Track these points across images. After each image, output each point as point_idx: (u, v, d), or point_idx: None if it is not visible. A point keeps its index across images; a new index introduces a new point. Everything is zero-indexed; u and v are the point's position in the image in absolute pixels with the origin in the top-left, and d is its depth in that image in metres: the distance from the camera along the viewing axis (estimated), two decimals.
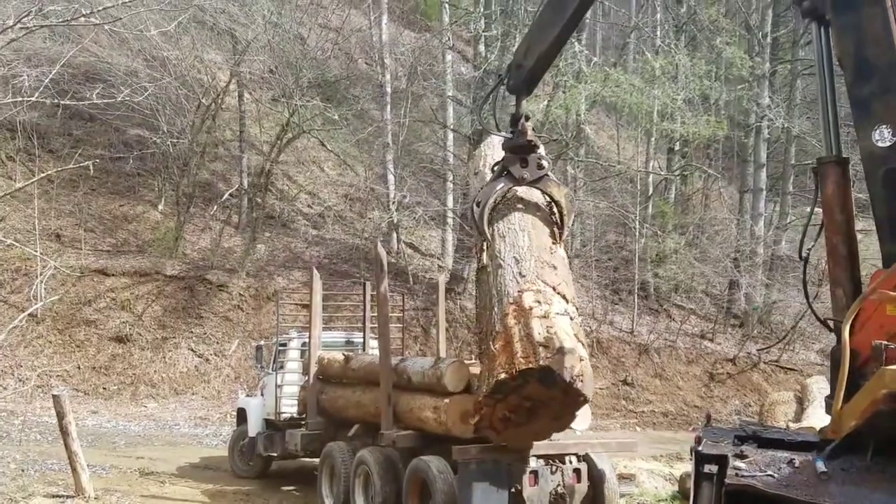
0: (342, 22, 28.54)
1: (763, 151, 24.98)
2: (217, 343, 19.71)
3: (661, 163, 27.21)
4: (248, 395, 13.76)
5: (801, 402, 9.20)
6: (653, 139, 25.18)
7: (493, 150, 8.52)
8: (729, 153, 30.63)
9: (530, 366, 6.46)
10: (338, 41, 27.76)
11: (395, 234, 22.84)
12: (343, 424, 10.17)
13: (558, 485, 7.56)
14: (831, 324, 5.76)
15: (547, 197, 7.81)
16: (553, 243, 7.60)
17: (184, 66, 21.61)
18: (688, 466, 15.26)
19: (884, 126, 5.26)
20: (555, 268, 7.36)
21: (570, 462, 7.70)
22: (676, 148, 26.23)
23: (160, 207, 22.89)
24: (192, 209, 22.49)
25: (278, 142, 20.75)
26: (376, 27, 24.35)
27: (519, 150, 7.54)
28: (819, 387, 8.93)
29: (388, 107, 23.24)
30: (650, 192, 25.77)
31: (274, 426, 12.13)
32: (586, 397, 6.69)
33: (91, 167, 11.52)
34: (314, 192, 25.57)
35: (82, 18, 9.36)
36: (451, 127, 21.65)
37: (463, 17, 22.89)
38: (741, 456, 5.29)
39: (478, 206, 7.36)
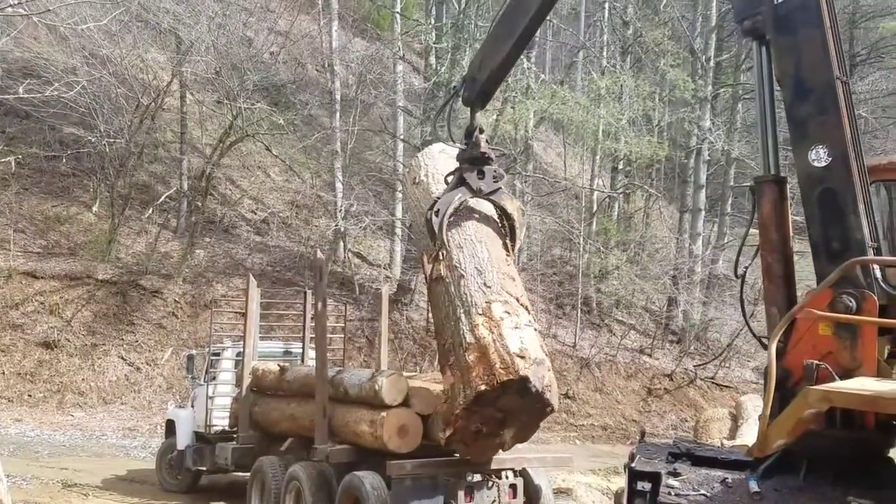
0: (290, 26, 28.15)
1: (703, 173, 25.57)
2: (149, 351, 19.03)
3: (606, 181, 27.61)
4: (178, 407, 13.29)
5: (736, 420, 9.32)
6: (597, 157, 25.54)
7: (433, 160, 8.45)
8: (670, 174, 31.31)
9: (511, 377, 6.42)
10: (286, 45, 27.39)
11: (341, 243, 22.53)
12: (276, 438, 9.88)
13: (494, 500, 7.44)
14: (766, 342, 5.78)
15: (498, 210, 7.77)
16: (507, 255, 7.59)
17: (124, 65, 20.97)
18: (623, 481, 15.42)
19: (820, 146, 5.31)
20: (514, 279, 7.38)
21: (507, 477, 7.59)
22: (620, 167, 26.65)
23: (95, 209, 22.05)
24: (129, 212, 21.73)
25: (220, 144, 20.24)
26: (326, 33, 24.09)
27: (476, 161, 7.52)
28: (754, 405, 9.06)
29: (338, 114, 22.96)
30: (594, 209, 26.11)
31: (204, 439, 11.76)
32: (553, 407, 6.73)
33: (13, 163, 10.90)
34: (259, 197, 25.04)
35: (9, 9, 8.89)
36: (402, 137, 21.51)
37: (414, 29, 22.85)
38: (674, 474, 5.26)
39: (436, 214, 7.26)
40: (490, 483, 7.41)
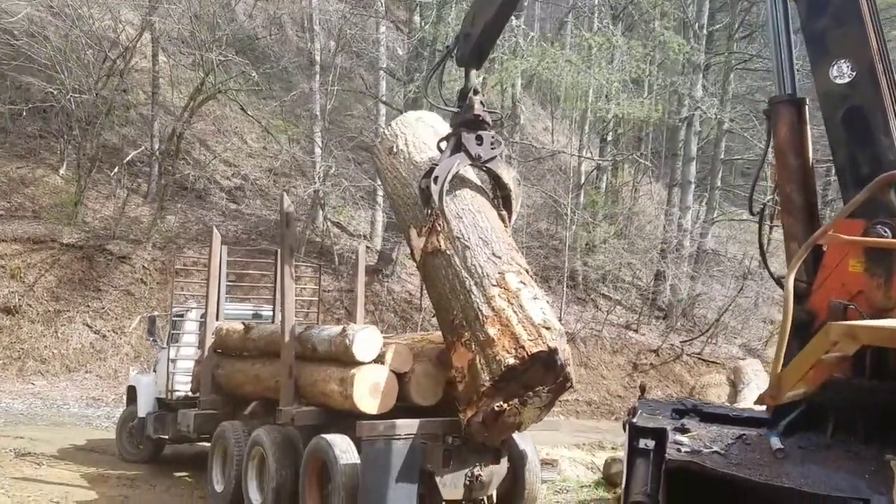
0: None
1: (694, 144, 24.92)
2: (116, 319, 18.15)
3: (594, 152, 26.93)
4: (140, 372, 12.49)
5: (735, 385, 8.72)
6: (586, 127, 24.81)
7: (410, 127, 7.86)
8: (658, 151, 30.65)
9: (541, 349, 6.05)
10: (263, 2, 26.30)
11: (320, 212, 21.69)
12: (241, 402, 9.12)
13: (475, 466, 6.74)
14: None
15: (493, 180, 7.29)
16: (504, 227, 7.16)
17: (92, 19, 19.93)
18: (610, 454, 14.92)
19: (842, 61, 4.73)
20: (517, 251, 7.02)
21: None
22: (609, 138, 25.93)
23: (62, 172, 21.02)
24: (98, 175, 20.75)
25: (192, 102, 19.24)
26: None
27: (472, 125, 7.00)
28: (754, 369, 8.45)
29: (318, 76, 22.06)
30: (582, 180, 25.42)
31: (166, 406, 10.99)
32: (573, 383, 6.42)
33: None
34: (235, 163, 24.10)
35: None
36: (383, 99, 20.63)
37: None
38: (683, 430, 4.58)
39: (434, 182, 6.71)
40: (470, 446, 6.71)
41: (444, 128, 7.61)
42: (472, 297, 6.40)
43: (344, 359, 7.09)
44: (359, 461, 6.55)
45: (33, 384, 16.50)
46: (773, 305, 28.17)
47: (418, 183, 7.03)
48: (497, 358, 6.05)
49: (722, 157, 26.40)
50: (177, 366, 10.72)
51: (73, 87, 18.82)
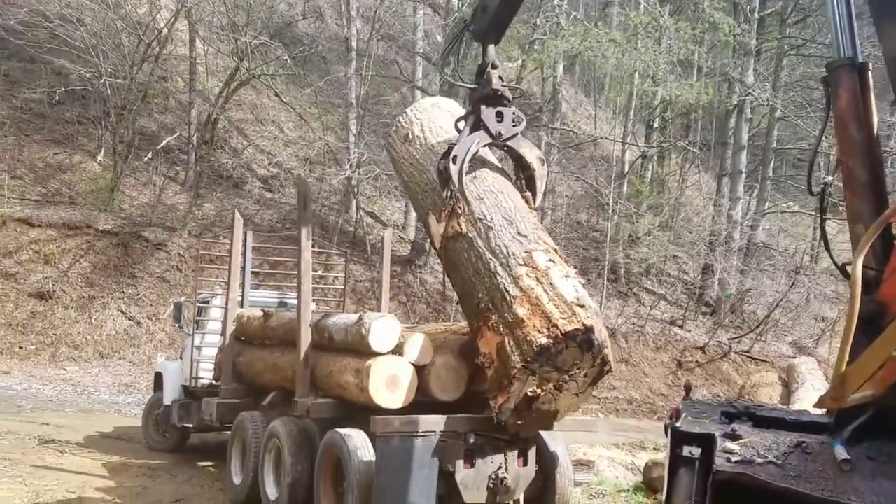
0: None
1: (744, 132, 23.86)
2: (151, 305, 18.06)
3: (640, 140, 26.02)
4: (167, 359, 12.26)
5: (788, 385, 8.02)
6: (631, 113, 23.93)
7: (426, 113, 7.49)
8: (707, 139, 29.52)
9: (575, 326, 5.57)
10: None
11: (353, 201, 21.34)
12: (261, 392, 8.77)
13: (500, 467, 6.19)
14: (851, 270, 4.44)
15: (515, 159, 6.90)
16: (530, 209, 6.74)
17: (130, 5, 19.90)
18: (652, 455, 14.22)
19: None
20: (544, 231, 6.60)
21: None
22: (655, 125, 24.99)
23: (99, 158, 21.07)
24: (135, 162, 20.74)
25: (227, 88, 19.03)
26: None
27: (491, 100, 6.60)
28: (808, 368, 7.72)
29: (353, 62, 21.70)
30: (626, 169, 24.57)
31: (191, 394, 10.70)
32: (611, 366, 5.92)
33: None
34: (271, 151, 23.93)
35: None
36: (419, 85, 20.15)
37: None
38: (733, 436, 3.96)
39: (454, 161, 6.31)
40: (495, 447, 6.17)
41: (462, 112, 7.23)
42: (498, 278, 5.98)
43: (360, 349, 6.62)
44: (374, 458, 6.07)
45: (65, 370, 16.49)
46: (825, 302, 26.95)
47: (436, 165, 6.64)
48: (528, 338, 5.59)
49: (774, 146, 25.21)
50: (201, 353, 10.44)
51: (108, 71, 18.75)
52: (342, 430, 6.51)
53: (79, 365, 16.72)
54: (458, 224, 6.36)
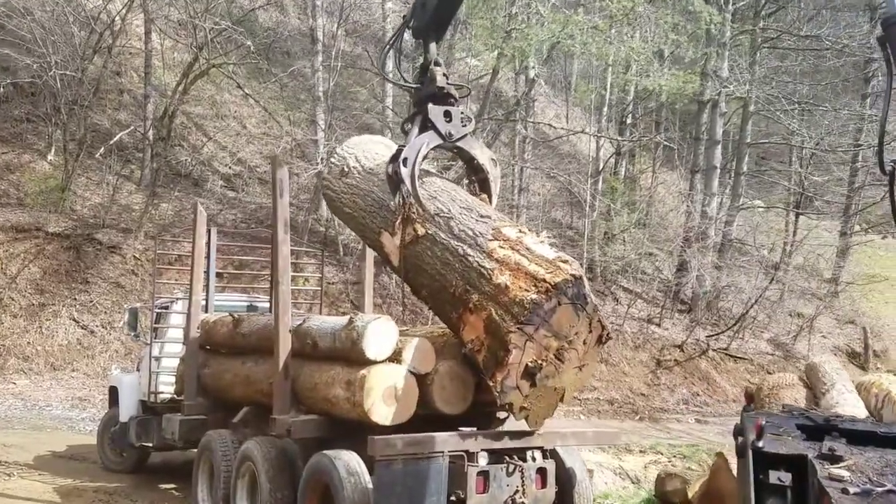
0: None
1: (719, 127, 23.51)
2: (105, 313, 16.86)
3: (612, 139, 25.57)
4: (123, 371, 11.21)
5: (813, 387, 7.40)
6: (604, 109, 23.42)
7: (358, 146, 7.21)
8: (674, 136, 29.22)
9: (563, 276, 5.31)
10: None
11: (324, 200, 20.38)
12: (231, 407, 7.83)
13: (516, 491, 5.40)
14: None
15: (466, 161, 6.67)
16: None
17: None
18: (639, 458, 13.59)
19: None
20: (507, 216, 6.54)
21: (534, 459, 5.57)
22: (629, 121, 24.52)
23: (50, 157, 19.75)
24: (88, 161, 19.46)
25: (185, 79, 17.93)
26: None
27: (437, 99, 6.32)
28: (833, 367, 7.07)
29: (320, 56, 20.75)
30: (601, 166, 24.04)
31: (151, 409, 9.72)
32: (610, 333, 5.65)
33: None
34: (233, 149, 22.82)
35: None
36: (390, 76, 19.29)
37: None
38: (832, 458, 3.23)
39: (404, 164, 6.03)
40: (511, 467, 5.38)
41: (395, 145, 6.80)
42: (470, 259, 5.70)
43: (351, 356, 5.78)
44: (371, 485, 5.22)
45: (14, 384, 15.25)
46: (800, 298, 26.81)
47: (384, 169, 6.25)
48: (517, 299, 5.28)
49: (748, 140, 24.94)
50: (161, 364, 9.46)
51: (58, 63, 17.54)
52: (330, 453, 5.64)
53: (29, 378, 15.50)
54: (415, 228, 6.09)
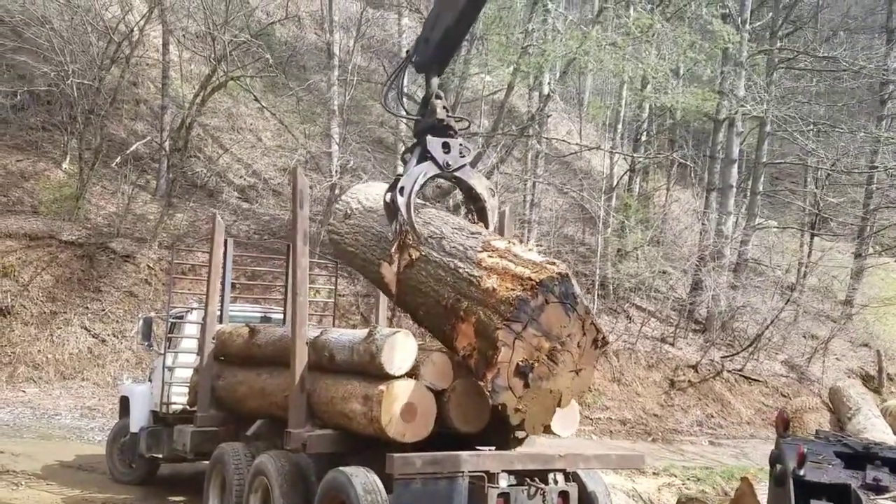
0: None
1: (735, 146, 23.38)
2: (117, 322, 16.81)
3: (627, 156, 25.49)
4: (135, 381, 11.14)
5: (837, 411, 7.25)
6: (619, 125, 23.34)
7: (361, 191, 7.54)
8: (689, 156, 29.12)
9: (549, 273, 5.36)
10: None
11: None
12: (245, 419, 7.73)
13: None
14: None
15: (465, 191, 6.89)
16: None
17: (99, 4, 18.90)
18: (653, 480, 13.36)
19: None
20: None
21: (555, 482, 5.43)
22: (643, 138, 24.44)
23: (65, 165, 19.84)
24: (103, 170, 19.54)
25: (202, 91, 18.00)
26: None
27: (436, 131, 6.57)
28: (858, 392, 6.94)
29: (336, 69, 20.82)
30: (615, 182, 23.95)
31: (162, 420, 9.64)
32: (606, 337, 5.59)
33: None
34: (248, 161, 22.88)
35: None
36: (406, 91, 19.32)
37: None
38: (877, 488, 3.10)
39: (401, 193, 6.29)
40: (533, 490, 5.25)
41: None
42: (460, 271, 5.84)
43: (370, 370, 5.68)
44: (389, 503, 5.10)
45: (24, 392, 15.20)
46: (814, 320, 26.51)
47: (383, 197, 6.47)
48: (503, 298, 5.35)
49: (764, 160, 24.79)
50: (174, 375, 9.39)
51: (75, 72, 17.66)
52: (347, 469, 5.53)
53: (38, 386, 15.44)
54: (410, 254, 6.26)
